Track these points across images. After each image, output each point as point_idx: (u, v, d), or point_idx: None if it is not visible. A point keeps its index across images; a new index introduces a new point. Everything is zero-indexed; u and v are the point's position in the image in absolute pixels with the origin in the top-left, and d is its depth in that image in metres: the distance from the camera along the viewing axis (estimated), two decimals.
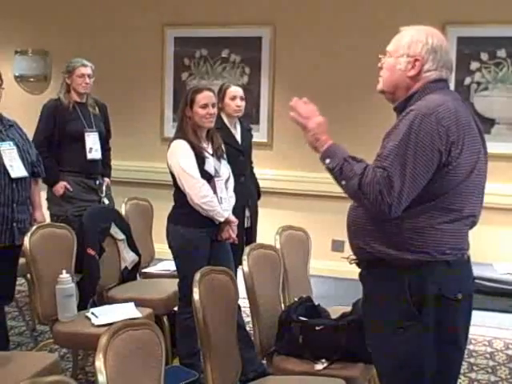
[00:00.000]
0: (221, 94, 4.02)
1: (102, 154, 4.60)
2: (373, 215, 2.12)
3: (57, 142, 4.43)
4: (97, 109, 4.62)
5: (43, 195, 4.35)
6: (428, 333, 2.13)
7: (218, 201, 3.44)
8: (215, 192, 3.45)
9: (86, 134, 4.46)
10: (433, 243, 2.10)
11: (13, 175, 3.51)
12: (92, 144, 4.48)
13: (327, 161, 2.15)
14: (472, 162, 2.10)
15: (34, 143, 4.23)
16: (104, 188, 4.59)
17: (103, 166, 4.66)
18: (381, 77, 2.29)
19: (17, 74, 6.58)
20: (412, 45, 2.20)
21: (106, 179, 4.69)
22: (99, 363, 1.92)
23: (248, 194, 4.06)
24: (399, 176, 2.00)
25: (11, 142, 3.59)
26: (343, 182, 2.10)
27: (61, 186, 4.39)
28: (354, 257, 2.31)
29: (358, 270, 2.36)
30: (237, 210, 3.70)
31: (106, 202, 4.55)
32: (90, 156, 4.47)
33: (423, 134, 2.02)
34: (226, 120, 4.01)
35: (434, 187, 2.07)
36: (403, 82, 2.22)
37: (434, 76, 2.20)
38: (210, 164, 3.47)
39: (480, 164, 2.15)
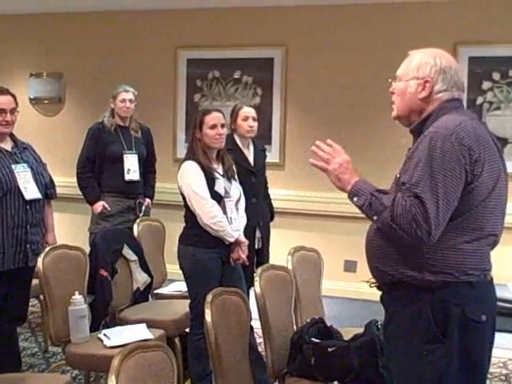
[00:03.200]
0: (233, 115, 4.04)
1: (145, 176, 4.80)
2: (410, 244, 2.07)
3: (98, 163, 4.67)
4: (139, 132, 4.81)
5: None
6: (452, 356, 2.08)
7: (228, 221, 3.45)
8: (225, 212, 3.46)
9: (125, 155, 4.65)
10: (454, 264, 2.07)
11: (27, 197, 3.53)
12: (130, 165, 4.67)
13: (355, 199, 2.14)
14: (493, 180, 2.09)
15: (78, 163, 4.67)
16: (143, 208, 4.74)
17: (145, 187, 4.84)
18: (393, 103, 2.30)
19: (31, 97, 6.67)
20: (421, 67, 2.20)
21: (148, 200, 4.84)
22: None
23: (259, 215, 4.04)
24: (432, 201, 1.98)
25: (25, 165, 3.62)
26: (375, 218, 2.09)
27: (99, 205, 4.62)
28: (373, 280, 2.28)
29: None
30: (247, 231, 3.69)
31: None
32: (127, 177, 4.66)
33: (448, 156, 2.00)
34: (238, 141, 4.02)
35: (456, 207, 2.04)
36: (416, 104, 2.22)
37: (446, 97, 2.20)
38: (220, 185, 3.49)
39: (500, 182, 2.13)
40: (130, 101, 4.67)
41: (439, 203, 1.98)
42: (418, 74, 2.21)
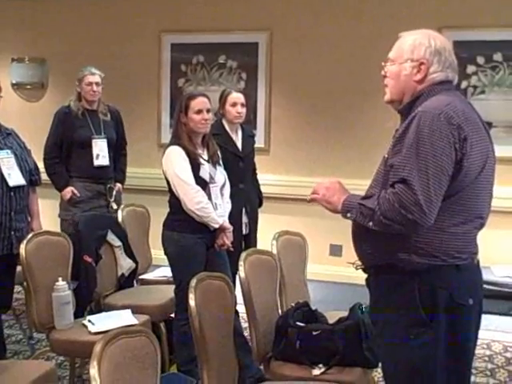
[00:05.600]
0: (222, 100, 4.00)
1: (115, 160, 4.70)
2: (414, 233, 2.05)
3: (66, 148, 4.55)
4: (108, 115, 4.70)
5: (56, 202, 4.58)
6: (439, 339, 2.08)
7: (212, 207, 3.44)
8: (210, 198, 3.45)
9: (94, 140, 4.54)
10: (442, 247, 2.06)
11: (11, 184, 3.51)
12: (99, 150, 4.56)
13: (348, 215, 2.14)
14: (482, 161, 2.08)
15: (45, 149, 4.52)
16: (114, 193, 4.65)
17: (116, 171, 4.74)
18: (386, 86, 2.25)
19: (14, 82, 6.60)
20: (415, 49, 2.16)
21: (118, 185, 4.75)
22: (93, 371, 1.91)
23: (246, 200, 4.03)
24: (420, 181, 1.95)
25: (9, 151, 3.59)
26: (370, 223, 2.06)
27: (68, 191, 4.51)
28: (359, 262, 2.27)
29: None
30: (234, 216, 3.68)
31: (115, 206, 4.59)
32: (96, 162, 4.55)
33: (437, 135, 1.98)
34: (226, 126, 4.00)
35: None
36: (410, 86, 2.18)
37: (439, 77, 2.17)
38: (205, 170, 3.47)
39: (489, 164, 2.12)
40: (97, 84, 4.54)
41: (429, 182, 1.96)
42: (412, 56, 2.17)
